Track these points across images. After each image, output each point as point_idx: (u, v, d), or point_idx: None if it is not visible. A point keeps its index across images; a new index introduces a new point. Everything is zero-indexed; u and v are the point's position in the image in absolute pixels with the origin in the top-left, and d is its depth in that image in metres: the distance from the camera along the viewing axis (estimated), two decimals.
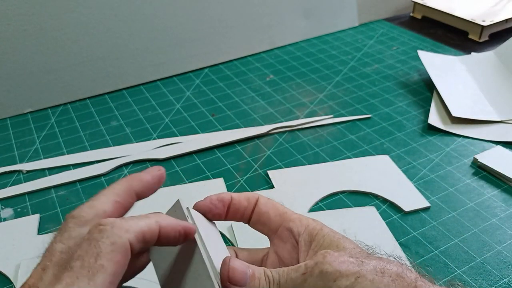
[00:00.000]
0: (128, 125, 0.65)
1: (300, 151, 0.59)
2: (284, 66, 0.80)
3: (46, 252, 0.24)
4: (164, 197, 0.38)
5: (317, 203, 0.51)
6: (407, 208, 0.50)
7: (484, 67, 0.75)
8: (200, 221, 0.28)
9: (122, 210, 0.27)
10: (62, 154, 0.60)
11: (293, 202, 0.50)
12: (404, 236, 0.47)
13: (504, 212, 0.50)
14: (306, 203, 0.50)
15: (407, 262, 0.27)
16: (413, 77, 0.76)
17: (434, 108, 0.67)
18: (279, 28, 0.86)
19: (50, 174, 0.56)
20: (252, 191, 0.52)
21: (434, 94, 0.70)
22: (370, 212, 0.49)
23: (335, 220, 0.48)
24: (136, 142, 0.62)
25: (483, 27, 0.85)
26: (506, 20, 0.88)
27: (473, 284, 0.42)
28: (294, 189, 0.52)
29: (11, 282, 0.43)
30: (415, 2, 0.97)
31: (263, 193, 0.43)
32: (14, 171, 0.57)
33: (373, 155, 0.58)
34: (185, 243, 0.27)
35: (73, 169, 0.57)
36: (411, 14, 0.99)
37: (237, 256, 0.31)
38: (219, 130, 0.64)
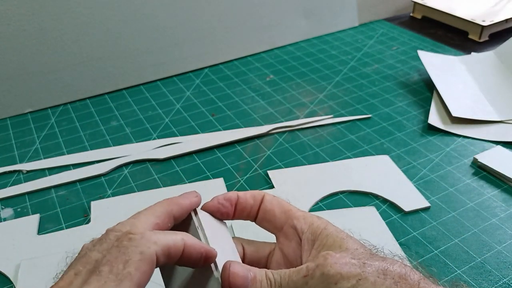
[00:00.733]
0: (128, 125, 0.65)
1: (300, 151, 0.59)
2: (284, 66, 0.80)
3: (82, 258, 0.24)
4: (164, 198, 0.38)
5: (317, 203, 0.51)
6: (407, 208, 0.50)
7: (484, 67, 0.75)
8: (208, 222, 0.28)
9: None
10: (62, 154, 0.60)
11: (293, 202, 0.49)
12: (404, 236, 0.47)
13: (504, 212, 0.50)
14: (306, 203, 0.50)
15: (408, 263, 0.27)
16: (413, 77, 0.76)
17: (434, 108, 0.67)
18: (279, 28, 0.86)
19: (50, 174, 0.56)
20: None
21: (434, 94, 0.70)
22: (370, 212, 0.49)
23: (335, 220, 0.47)
24: (136, 142, 0.62)
25: (483, 27, 0.85)
26: (506, 20, 0.88)
27: (473, 284, 0.42)
28: (294, 189, 0.52)
29: (11, 282, 0.43)
30: (415, 2, 0.97)
31: None
32: (14, 171, 0.57)
33: (373, 155, 0.58)
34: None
35: (73, 169, 0.57)
36: (411, 14, 0.99)
37: (244, 251, 0.31)
38: (219, 130, 0.64)
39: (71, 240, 0.46)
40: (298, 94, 0.72)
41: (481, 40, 0.86)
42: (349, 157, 0.58)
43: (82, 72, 0.71)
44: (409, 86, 0.73)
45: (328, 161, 0.58)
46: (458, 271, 0.43)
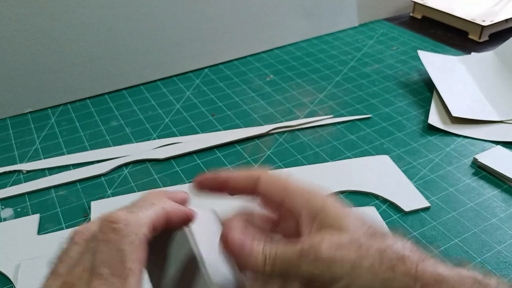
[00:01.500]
0: (128, 125, 0.65)
1: (300, 151, 0.59)
2: (284, 66, 0.80)
3: (68, 256, 0.23)
4: None
5: None
6: (407, 208, 0.50)
7: (484, 67, 0.75)
8: (200, 232, 0.28)
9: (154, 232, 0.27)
10: (62, 154, 0.60)
11: None
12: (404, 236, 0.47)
13: (504, 212, 0.50)
14: None
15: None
16: (413, 77, 0.76)
17: (434, 108, 0.67)
18: (279, 28, 0.86)
19: (50, 174, 0.56)
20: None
21: (434, 94, 0.70)
22: (370, 212, 0.49)
23: None
24: (136, 142, 0.62)
25: (483, 27, 0.85)
26: (506, 20, 0.88)
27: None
28: None
29: (11, 282, 0.43)
30: (415, 2, 0.97)
31: None
32: (14, 171, 0.57)
33: (373, 155, 0.58)
34: (186, 263, 0.27)
35: (73, 169, 0.57)
36: (411, 14, 0.99)
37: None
38: (219, 130, 0.64)
39: None
40: (298, 94, 0.72)
41: (481, 40, 0.86)
42: (349, 157, 0.58)
43: (82, 72, 0.71)
44: (409, 86, 0.73)
45: (328, 161, 0.58)
46: None
